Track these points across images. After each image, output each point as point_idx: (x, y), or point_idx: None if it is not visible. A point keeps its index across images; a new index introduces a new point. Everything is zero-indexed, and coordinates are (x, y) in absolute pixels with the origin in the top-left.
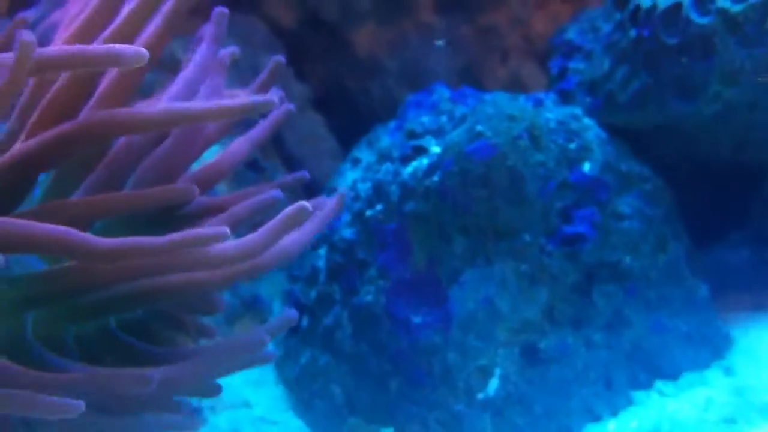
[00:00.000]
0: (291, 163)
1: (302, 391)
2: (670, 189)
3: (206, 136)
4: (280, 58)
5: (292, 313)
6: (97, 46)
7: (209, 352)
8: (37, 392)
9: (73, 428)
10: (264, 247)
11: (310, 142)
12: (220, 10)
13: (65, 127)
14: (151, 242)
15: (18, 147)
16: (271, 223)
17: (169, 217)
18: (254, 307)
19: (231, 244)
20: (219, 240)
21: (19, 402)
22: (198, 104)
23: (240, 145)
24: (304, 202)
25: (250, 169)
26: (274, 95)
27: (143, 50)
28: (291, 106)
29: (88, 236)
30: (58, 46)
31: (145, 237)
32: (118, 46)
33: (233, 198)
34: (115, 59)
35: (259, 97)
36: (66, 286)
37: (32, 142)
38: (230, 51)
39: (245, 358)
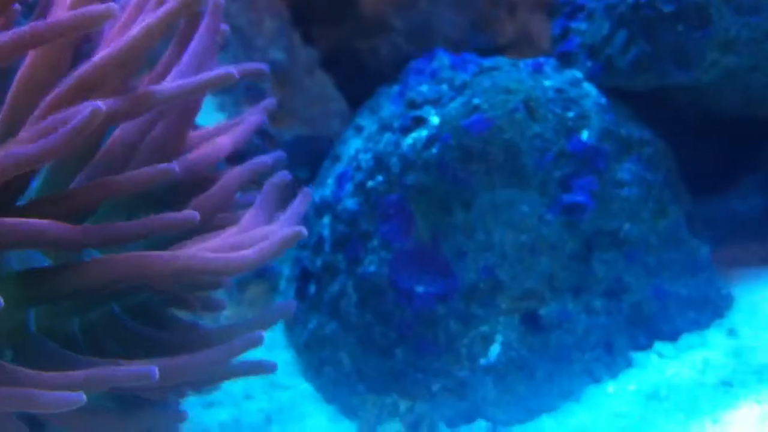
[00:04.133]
0: (302, 124)
1: (311, 357)
2: (676, 142)
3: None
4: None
5: (290, 303)
6: (63, 15)
7: (210, 353)
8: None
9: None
10: (257, 263)
11: (320, 103)
12: (216, 2)
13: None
14: (125, 228)
15: (13, 143)
16: (267, 244)
17: (167, 195)
18: (264, 274)
19: (228, 257)
20: (188, 225)
21: (19, 399)
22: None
23: (223, 143)
24: (302, 228)
25: (258, 137)
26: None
27: (112, 5)
28: (264, 118)
29: (57, 225)
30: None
31: (121, 223)
32: (83, 9)
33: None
34: (83, 21)
35: (214, 73)
36: (68, 283)
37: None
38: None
39: (245, 365)
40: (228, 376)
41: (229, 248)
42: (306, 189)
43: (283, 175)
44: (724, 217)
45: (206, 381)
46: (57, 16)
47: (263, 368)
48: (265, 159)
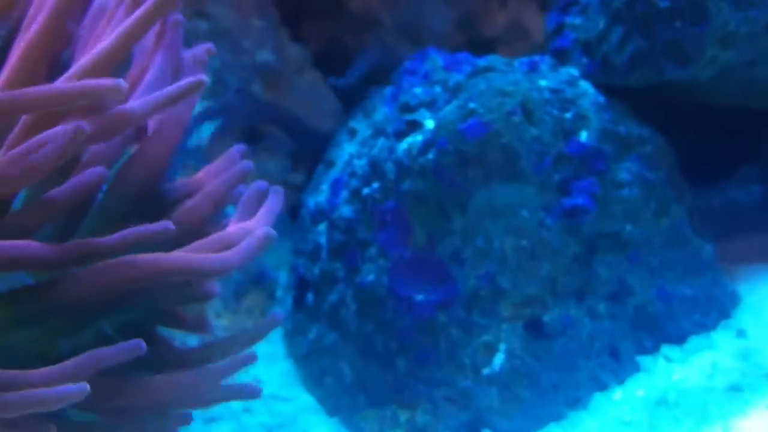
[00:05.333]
0: (292, 127)
1: (312, 368)
2: (672, 134)
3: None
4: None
5: (278, 314)
6: (72, 84)
7: (200, 374)
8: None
9: None
10: (239, 263)
11: (311, 102)
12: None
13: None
14: (100, 242)
15: None
16: (247, 244)
17: (150, 207)
18: (261, 282)
19: (210, 258)
20: (164, 235)
21: (25, 402)
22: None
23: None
24: (272, 231)
25: (249, 140)
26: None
27: (121, 82)
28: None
29: (32, 245)
30: (33, 89)
31: (97, 239)
32: (93, 81)
33: (206, 176)
34: (92, 93)
35: (184, 82)
36: (54, 299)
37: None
38: (206, 47)
39: (232, 389)
40: (215, 401)
41: (208, 248)
42: (276, 187)
43: (259, 186)
44: (724, 209)
45: (195, 405)
46: (62, 84)
47: (249, 394)
48: (247, 164)
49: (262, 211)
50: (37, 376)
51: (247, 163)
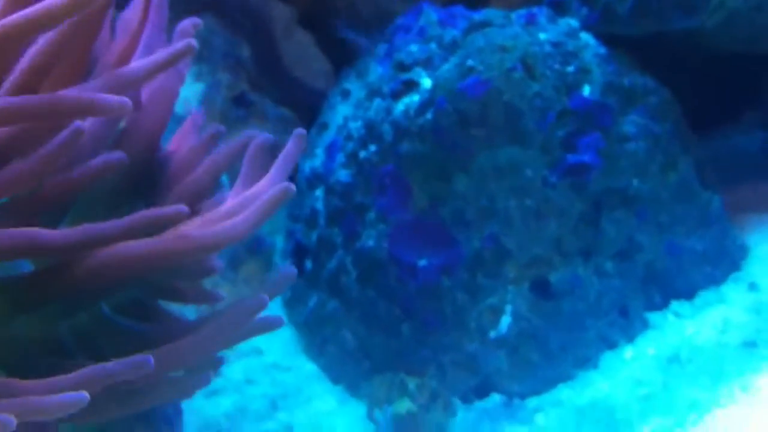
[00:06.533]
0: (284, 88)
1: (313, 336)
2: (673, 80)
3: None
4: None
5: (290, 269)
6: (73, 96)
7: (208, 327)
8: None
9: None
10: (248, 229)
11: (302, 64)
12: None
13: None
14: (110, 228)
15: None
16: (255, 208)
17: (144, 180)
18: (257, 250)
19: (216, 230)
20: (178, 219)
21: (21, 410)
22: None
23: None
24: (290, 185)
25: (239, 105)
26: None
27: (126, 100)
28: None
29: (40, 232)
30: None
31: (103, 223)
32: (98, 96)
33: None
34: (93, 108)
35: (179, 45)
36: (54, 286)
37: None
38: (193, 22)
39: (248, 328)
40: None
41: (216, 220)
42: (299, 130)
43: (264, 139)
44: (727, 156)
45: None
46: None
47: (269, 327)
48: (251, 132)
49: (274, 168)
50: (40, 386)
51: (251, 132)
